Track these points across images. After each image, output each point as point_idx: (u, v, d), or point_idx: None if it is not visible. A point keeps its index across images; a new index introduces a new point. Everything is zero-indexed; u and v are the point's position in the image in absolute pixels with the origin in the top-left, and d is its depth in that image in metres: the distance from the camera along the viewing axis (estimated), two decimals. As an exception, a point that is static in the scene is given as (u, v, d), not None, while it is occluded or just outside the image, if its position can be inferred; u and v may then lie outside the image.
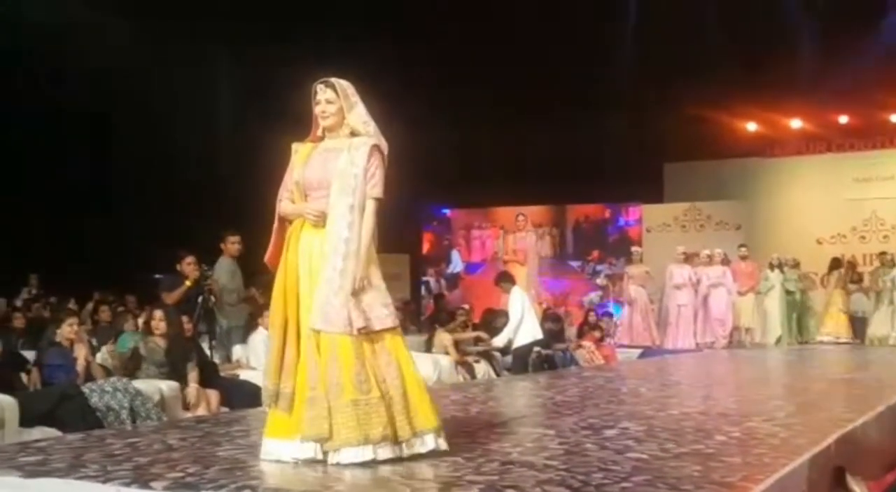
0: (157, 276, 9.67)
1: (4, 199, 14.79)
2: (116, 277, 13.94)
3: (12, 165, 14.60)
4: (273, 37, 14.75)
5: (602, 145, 16.91)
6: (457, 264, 20.27)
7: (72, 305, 11.48)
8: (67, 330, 7.14)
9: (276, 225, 4.23)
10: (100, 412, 6.45)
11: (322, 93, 4.11)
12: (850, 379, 9.17)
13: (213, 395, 7.45)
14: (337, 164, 4.04)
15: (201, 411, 7.14)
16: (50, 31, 13.17)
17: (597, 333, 12.55)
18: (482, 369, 10.65)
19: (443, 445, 3.95)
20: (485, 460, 3.95)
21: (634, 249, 15.86)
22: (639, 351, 13.33)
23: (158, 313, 7.63)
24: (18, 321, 10.80)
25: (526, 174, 18.01)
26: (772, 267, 14.80)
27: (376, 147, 4.07)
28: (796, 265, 15.10)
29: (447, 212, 20.67)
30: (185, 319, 8.01)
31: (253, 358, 8.64)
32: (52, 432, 5.94)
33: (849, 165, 17.83)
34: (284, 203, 4.18)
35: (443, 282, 20.27)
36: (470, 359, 10.66)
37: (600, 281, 17.60)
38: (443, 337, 10.78)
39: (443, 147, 17.17)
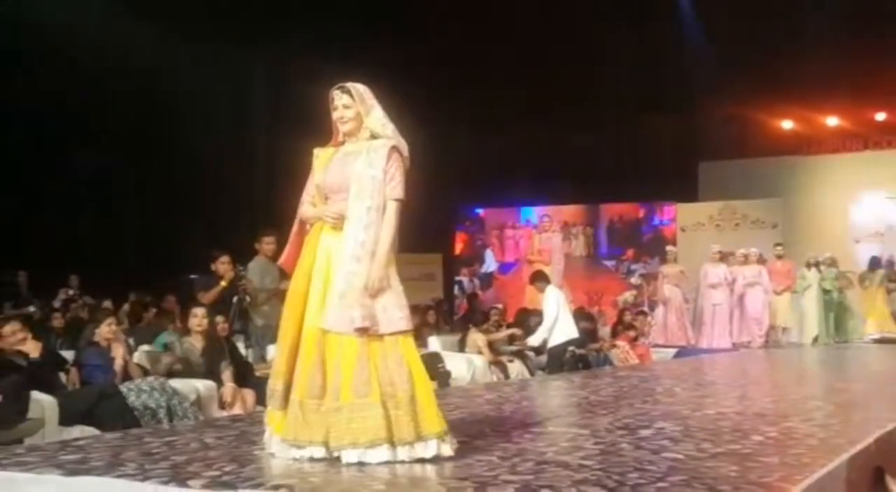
0: (192, 276, 9.75)
1: (44, 199, 15.01)
2: (151, 278, 14.07)
3: (45, 164, 14.76)
4: (300, 38, 14.83)
5: (636, 144, 16.85)
6: (490, 264, 20.27)
7: (108, 305, 11.61)
8: (105, 330, 7.22)
9: (294, 228, 4.26)
10: (137, 411, 6.53)
11: (339, 98, 4.13)
12: (890, 378, 9.05)
13: (249, 394, 7.50)
14: (355, 167, 4.05)
15: (237, 410, 7.19)
16: (65, 31, 13.29)
17: (631, 333, 12.48)
18: (516, 368, 10.64)
19: (447, 450, 3.92)
20: (520, 460, 3.95)
21: (669, 248, 15.76)
22: (674, 351, 13.25)
23: (200, 311, 7.69)
24: (57, 321, 10.94)
25: (560, 173, 17.98)
26: (808, 266, 14.65)
27: (395, 148, 4.07)
28: (833, 264, 14.92)
29: (480, 212, 20.67)
30: (220, 318, 8.07)
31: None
32: (91, 431, 6.01)
33: (886, 163, 17.61)
34: (305, 207, 4.20)
35: (476, 282, 20.28)
36: (503, 358, 10.65)
37: (634, 280, 17.51)
38: (476, 337, 10.78)
39: (477, 147, 17.20)
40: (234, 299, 8.68)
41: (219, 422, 5.74)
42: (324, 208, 4.12)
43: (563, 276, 17.23)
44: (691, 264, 14.72)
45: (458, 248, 20.72)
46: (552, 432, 5.01)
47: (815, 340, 14.34)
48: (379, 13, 15.55)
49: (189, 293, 9.39)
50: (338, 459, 3.84)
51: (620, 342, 12.11)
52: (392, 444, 3.81)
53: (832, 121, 17.81)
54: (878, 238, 17.47)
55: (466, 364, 10.11)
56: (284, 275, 9.36)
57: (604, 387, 7.51)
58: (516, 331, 11.26)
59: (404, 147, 4.14)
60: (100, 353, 7.14)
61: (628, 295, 16.61)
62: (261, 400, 7.45)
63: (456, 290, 20.26)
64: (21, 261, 13.90)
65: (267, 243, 9.12)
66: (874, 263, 15.52)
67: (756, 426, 5.01)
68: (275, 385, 4.09)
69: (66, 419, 6.26)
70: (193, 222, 15.31)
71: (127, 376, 7.00)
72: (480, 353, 10.47)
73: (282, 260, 4.32)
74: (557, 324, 10.17)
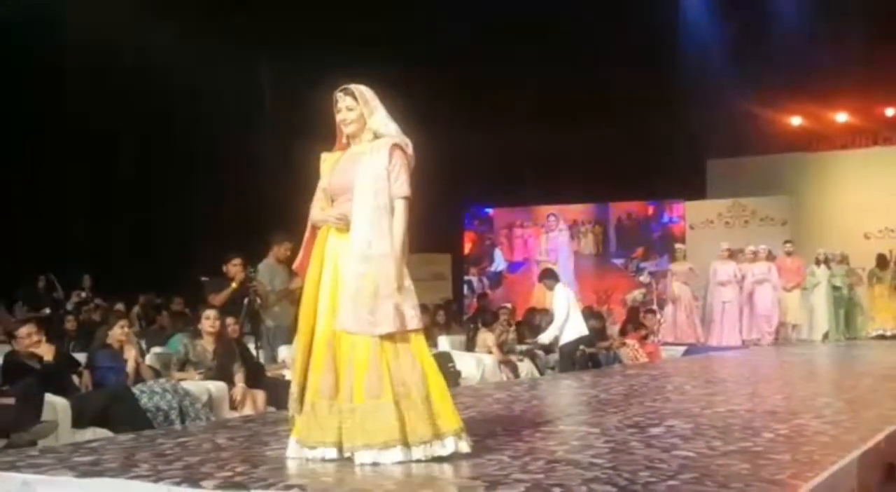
0: (202, 278, 9.78)
1: (55, 202, 15.07)
2: (162, 280, 14.13)
3: (56, 167, 14.82)
4: (310, 39, 14.84)
5: (645, 142, 16.84)
6: (499, 263, 20.28)
7: (120, 307, 11.67)
8: (118, 332, 7.26)
9: (307, 233, 4.26)
10: (150, 413, 6.55)
11: (342, 101, 4.14)
12: (900, 375, 9.04)
13: (260, 395, 7.52)
14: (359, 168, 4.07)
15: (248, 411, 7.21)
16: (91, 31, 13.34)
17: (641, 331, 12.48)
18: (525, 367, 10.65)
19: (464, 447, 3.93)
20: (530, 459, 3.96)
21: (678, 246, 15.76)
22: (683, 349, 13.24)
23: (212, 313, 7.71)
24: (70, 324, 11.00)
25: (568, 172, 17.98)
26: (818, 263, 14.63)
27: (396, 146, 4.07)
28: (843, 260, 14.89)
29: (489, 211, 20.68)
30: (230, 320, 8.10)
31: (298, 358, 8.69)
32: (104, 433, 6.04)
33: (894, 158, 17.56)
34: (314, 211, 4.22)
35: (485, 281, 20.29)
36: (513, 358, 10.66)
37: (643, 279, 17.50)
38: (486, 336, 10.79)
39: (485, 146, 17.19)
40: (245, 301, 8.71)
41: (230, 423, 5.77)
42: (329, 211, 4.14)
43: (572, 274, 17.23)
44: (700, 262, 14.71)
45: (468, 247, 20.73)
46: (563, 430, 5.03)
47: (826, 336, 14.31)
48: (388, 11, 15.54)
49: (200, 295, 9.43)
50: (350, 459, 3.86)
51: (630, 341, 12.10)
52: (406, 444, 3.83)
53: (841, 117, 17.76)
54: (887, 234, 17.42)
55: (476, 363, 10.12)
56: (294, 276, 9.43)
57: (614, 385, 7.52)
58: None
59: (408, 145, 4.14)
60: (112, 355, 7.17)
61: (637, 293, 16.59)
62: (271, 401, 7.50)
63: (465, 289, 20.28)
64: (36, 263, 13.96)
65: (284, 249, 9.14)
66: (881, 260, 15.48)
67: (767, 424, 5.02)
68: (292, 388, 4.12)
69: (80, 421, 6.29)
70: (203, 224, 15.37)
71: (139, 378, 7.03)
72: (490, 352, 10.49)
73: (296, 264, 4.33)
74: (568, 322, 10.17)
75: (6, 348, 7.16)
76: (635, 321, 12.90)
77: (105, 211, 15.75)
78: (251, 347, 8.71)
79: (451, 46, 15.94)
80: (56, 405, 6.24)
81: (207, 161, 15.80)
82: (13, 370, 6.55)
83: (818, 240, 16.04)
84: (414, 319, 3.97)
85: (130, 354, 7.18)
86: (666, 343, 13.62)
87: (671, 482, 3.43)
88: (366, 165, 4.06)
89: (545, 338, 10.56)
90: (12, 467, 3.94)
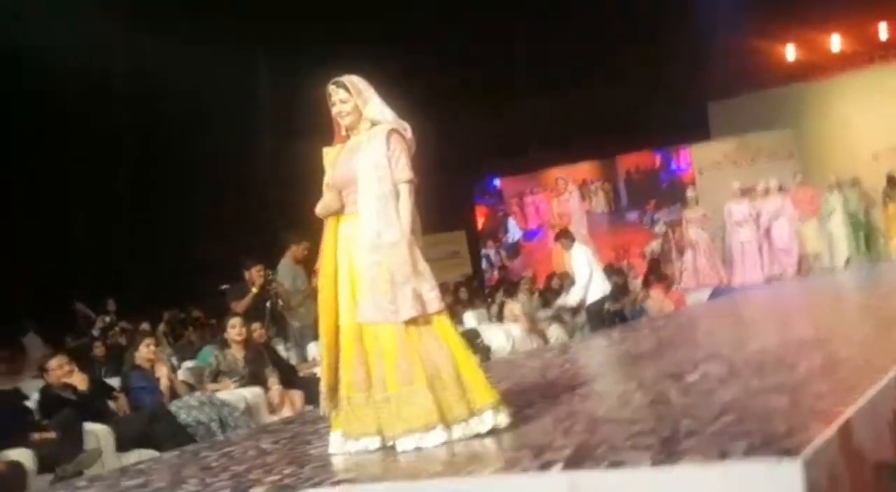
0: (222, 287, 9.82)
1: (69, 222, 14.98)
2: (183, 294, 14.16)
3: (55, 167, 14.65)
4: (315, 37, 14.72)
5: (644, 93, 16.73)
6: (515, 233, 20.25)
7: (145, 327, 11.72)
8: (145, 352, 7.31)
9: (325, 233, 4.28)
10: (190, 428, 6.61)
11: (335, 93, 4.13)
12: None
13: (297, 395, 7.58)
14: (359, 158, 4.07)
15: (286, 412, 7.27)
16: (88, 45, 13.24)
17: (664, 281, 12.47)
18: (554, 332, 10.68)
19: (503, 420, 3.93)
20: (572, 422, 3.97)
21: (689, 192, 15.70)
22: (708, 292, 13.23)
23: (237, 321, 7.76)
24: (98, 350, 11.06)
25: (571, 133, 17.91)
26: (831, 189, 14.55)
27: (393, 131, 4.07)
28: (855, 184, 14.80)
29: (497, 182, 20.64)
30: (256, 325, 8.14)
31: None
32: (148, 454, 6.11)
33: (893, 75, 17.40)
34: (318, 206, 4.22)
35: (503, 252, 20.29)
36: (541, 325, 10.69)
37: (659, 229, 17.47)
38: (511, 307, 10.82)
39: (485, 119, 17.14)
40: (268, 305, 8.76)
41: (271, 427, 5.81)
42: (319, 204, 4.16)
43: (587, 234, 17.20)
44: (714, 205, 14.66)
45: (481, 221, 20.71)
46: (600, 390, 5.04)
47: (848, 262, 14.24)
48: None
49: (221, 304, 9.47)
50: (393, 447, 3.89)
51: (654, 292, 12.10)
52: (446, 424, 3.85)
53: (835, 41, 17.59)
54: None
55: (505, 335, 10.16)
56: (315, 275, 9.45)
57: (644, 338, 7.52)
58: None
59: (406, 129, 4.13)
60: (144, 375, 7.23)
61: (655, 244, 16.59)
62: (309, 399, 7.55)
63: (484, 263, 20.28)
64: (61, 291, 13.95)
65: (302, 249, 9.17)
66: (892, 180, 15.37)
67: (800, 355, 5.00)
68: (321, 387, 4.14)
69: (122, 445, 6.36)
70: (211, 231, 15.32)
71: (174, 395, 7.09)
72: (517, 322, 10.51)
73: (318, 265, 4.34)
74: (591, 281, 10.15)
75: (41, 383, 7.23)
76: (657, 272, 12.90)
77: (117, 230, 15.71)
78: (280, 349, 8.77)
79: (437, 18, 15.74)
80: (97, 433, 6.30)
81: (206, 162, 15.66)
82: (50, 404, 6.63)
83: (828, 167, 15.93)
84: (434, 301, 3.97)
85: (162, 372, 7.24)
86: (690, 289, 13.61)
87: (713, 428, 3.42)
88: (365, 154, 4.06)
89: (571, 300, 10.56)
90: (64, 499, 3.99)
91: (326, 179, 4.20)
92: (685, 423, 3.57)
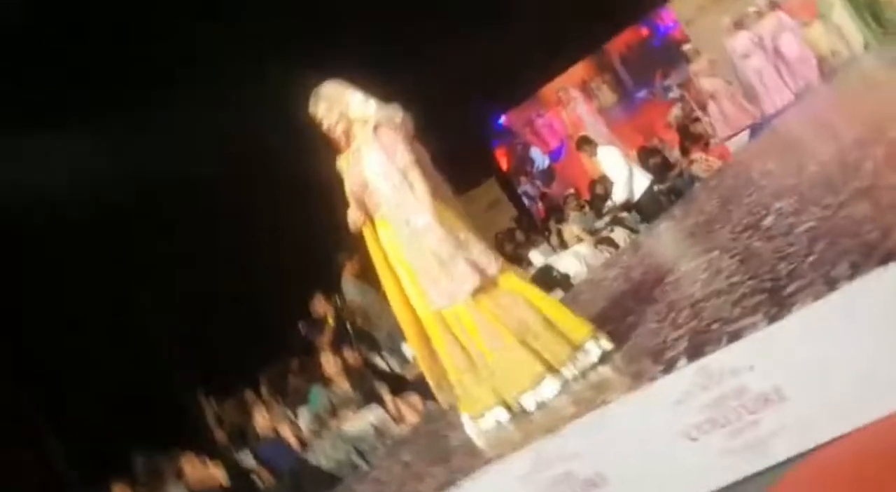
0: (300, 325, 9.87)
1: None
2: (266, 348, 14.24)
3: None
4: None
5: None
6: (541, 160, 20.10)
7: (249, 396, 11.83)
8: (262, 421, 7.42)
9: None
10: (334, 469, 6.71)
11: (318, 112, 4.14)
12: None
13: (414, 398, 7.62)
14: (361, 162, 4.07)
15: (412, 418, 7.32)
16: None
17: (700, 142, 12.29)
18: (620, 235, 10.57)
19: (606, 344, 3.93)
20: (675, 313, 3.94)
21: (685, 47, 15.42)
22: (747, 133, 13.01)
23: (328, 355, 7.83)
24: (220, 436, 11.20)
25: (547, 43, 17.64)
26: (819, -16, 14.17)
27: (377, 127, 4.07)
28: (841, -32, 14.39)
29: (503, 120, 20.47)
30: (346, 350, 8.20)
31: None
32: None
33: None
34: (349, 218, 4.24)
35: (538, 183, 20.16)
36: (604, 234, 10.59)
37: (674, 95, 17.18)
38: (570, 229, 10.74)
39: (465, 65, 16.91)
40: (348, 327, 8.81)
41: (404, 438, 5.86)
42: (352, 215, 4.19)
43: (608, 132, 17.00)
44: (715, 49, 14.38)
45: (504, 163, 20.59)
46: (687, 271, 4.97)
47: (867, 46, 13.88)
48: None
49: (306, 344, 9.53)
50: (523, 411, 3.89)
51: (695, 155, 11.93)
52: (554, 371, 3.84)
53: None
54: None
55: (575, 258, 10.08)
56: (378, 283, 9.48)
57: (705, 204, 7.41)
58: None
59: (389, 115, 4.11)
60: (271, 443, 7.34)
61: (675, 110, 16.29)
62: (427, 397, 7.59)
63: (526, 200, 20.18)
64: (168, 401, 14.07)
65: (354, 263, 9.21)
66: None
67: (862, 156, 4.88)
68: (429, 380, 4.16)
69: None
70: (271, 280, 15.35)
71: (305, 447, 7.18)
72: (581, 241, 10.44)
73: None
74: (632, 176, 10.04)
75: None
76: (689, 136, 12.71)
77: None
78: (379, 361, 8.82)
79: None
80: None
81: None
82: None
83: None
84: (490, 264, 3.96)
85: (286, 432, 7.34)
86: (728, 138, 13.40)
87: (810, 260, 3.35)
88: (365, 157, 4.07)
89: (619, 199, 10.46)
90: None
91: (346, 190, 4.22)
92: (782, 267, 3.51)
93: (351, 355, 8.17)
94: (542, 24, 16.79)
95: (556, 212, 11.86)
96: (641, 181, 10.11)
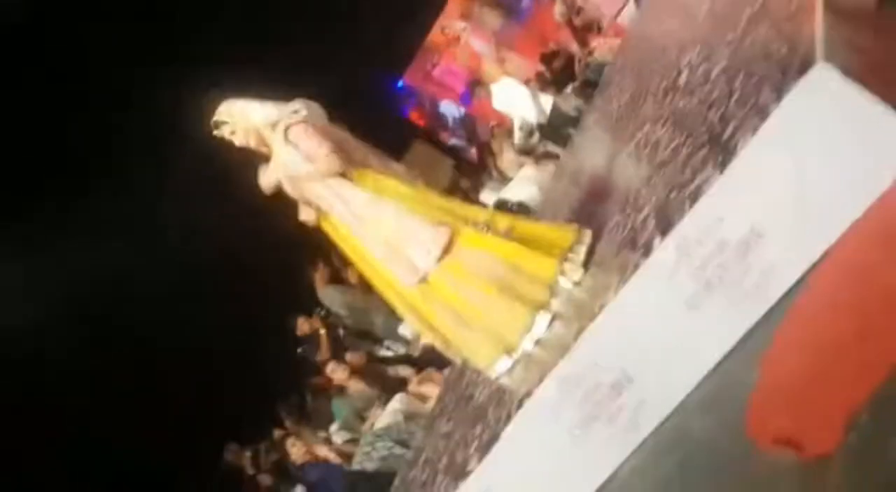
0: (298, 351, 9.86)
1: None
2: (278, 383, 14.17)
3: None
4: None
5: None
6: (454, 110, 19.92)
7: (277, 435, 11.80)
8: (296, 451, 7.41)
9: None
10: (383, 467, 6.72)
11: (223, 132, 4.08)
12: None
13: (431, 373, 7.64)
14: (285, 164, 4.03)
15: (435, 391, 7.34)
16: None
17: (593, 30, 12.26)
18: (553, 148, 10.50)
19: (574, 267, 3.85)
20: (633, 197, 3.90)
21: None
22: (631, 1, 12.91)
23: (334, 366, 7.83)
24: (264, 479, 11.17)
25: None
26: None
27: (288, 127, 3.98)
28: None
29: (402, 82, 20.25)
30: (348, 355, 8.20)
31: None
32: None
33: None
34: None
35: (462, 132, 20.02)
36: (540, 150, 10.53)
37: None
38: (507, 158, 10.69)
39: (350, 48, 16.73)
40: (340, 333, 8.81)
41: (433, 413, 5.87)
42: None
43: (504, 55, 16.90)
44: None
45: (421, 123, 20.42)
46: (629, 153, 4.94)
47: None
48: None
49: (309, 363, 9.52)
50: (522, 356, 3.86)
51: (594, 42, 11.90)
52: (544, 307, 3.78)
53: None
54: None
55: (525, 182, 9.94)
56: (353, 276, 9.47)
57: (621, 84, 7.38)
58: None
59: (293, 111, 4.05)
60: (314, 467, 7.35)
61: (559, 7, 16.25)
62: (440, 367, 7.62)
63: (459, 150, 20.03)
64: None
65: (322, 270, 9.20)
66: None
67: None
68: (437, 345, 4.15)
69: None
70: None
71: (347, 458, 7.20)
72: (523, 164, 10.37)
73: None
74: (530, 100, 9.95)
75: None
76: (580, 27, 12.66)
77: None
78: (383, 351, 8.84)
79: None
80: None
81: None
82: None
83: None
84: (442, 229, 3.90)
85: (322, 452, 7.34)
86: (618, 14, 13.33)
87: (735, 97, 3.29)
88: (283, 158, 4.02)
89: (532, 118, 10.33)
90: None
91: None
92: (711, 115, 3.50)
93: (354, 357, 8.17)
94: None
95: (487, 148, 11.84)
96: (545, 98, 10.05)
